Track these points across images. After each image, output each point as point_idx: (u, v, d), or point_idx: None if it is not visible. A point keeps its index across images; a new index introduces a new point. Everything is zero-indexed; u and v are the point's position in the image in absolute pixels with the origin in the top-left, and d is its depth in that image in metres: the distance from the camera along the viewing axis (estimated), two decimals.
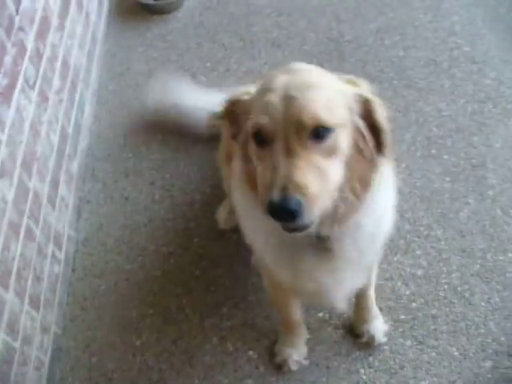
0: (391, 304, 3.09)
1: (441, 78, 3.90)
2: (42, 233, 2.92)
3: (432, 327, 3.02)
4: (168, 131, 3.71)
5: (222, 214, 3.35)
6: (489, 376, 2.89)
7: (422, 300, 3.10)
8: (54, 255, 3.07)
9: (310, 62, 3.86)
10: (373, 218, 2.02)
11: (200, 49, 4.21)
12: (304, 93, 1.67)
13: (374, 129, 1.80)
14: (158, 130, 3.74)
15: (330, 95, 1.72)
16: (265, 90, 1.74)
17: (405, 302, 3.09)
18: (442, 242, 3.26)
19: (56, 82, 3.20)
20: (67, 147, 3.38)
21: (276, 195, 1.60)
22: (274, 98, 1.68)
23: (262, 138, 1.71)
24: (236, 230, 3.00)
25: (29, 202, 2.78)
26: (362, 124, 1.77)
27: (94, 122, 3.84)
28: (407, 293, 3.12)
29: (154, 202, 3.50)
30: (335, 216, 1.85)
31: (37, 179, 2.89)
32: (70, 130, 3.44)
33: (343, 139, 1.73)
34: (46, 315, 2.91)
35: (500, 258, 3.21)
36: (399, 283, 3.15)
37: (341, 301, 2.38)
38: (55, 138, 3.19)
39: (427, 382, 2.89)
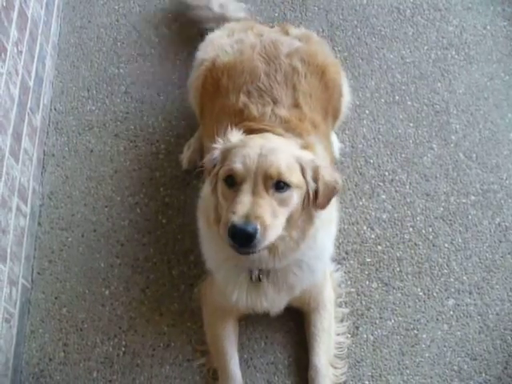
0: (357, 247, 3.15)
1: (404, 25, 3.90)
2: (6, 185, 2.88)
3: (397, 269, 3.10)
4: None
5: (185, 154, 3.36)
6: (451, 313, 2.99)
7: (387, 243, 3.16)
8: (19, 208, 3.04)
9: (273, 11, 3.90)
10: (312, 254, 2.55)
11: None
12: (274, 154, 2.22)
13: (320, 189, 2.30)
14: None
15: (292, 161, 2.25)
16: (243, 146, 2.26)
17: (370, 245, 3.16)
18: (407, 186, 3.31)
19: (14, 33, 3.13)
20: (29, 100, 3.32)
21: (239, 220, 2.11)
22: (251, 152, 2.22)
23: (231, 181, 2.22)
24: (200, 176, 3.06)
25: None
26: (312, 185, 2.29)
27: (56, 75, 3.77)
28: (373, 236, 3.18)
29: (119, 153, 3.48)
30: (276, 253, 2.38)
31: None
32: (32, 84, 3.38)
33: (295, 198, 2.25)
34: (13, 268, 2.91)
35: (463, 200, 3.28)
36: (365, 227, 3.20)
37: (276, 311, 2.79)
38: (16, 91, 3.13)
39: (393, 321, 2.98)
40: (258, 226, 2.12)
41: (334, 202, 2.57)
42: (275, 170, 2.18)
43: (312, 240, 2.44)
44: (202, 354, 2.90)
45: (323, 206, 2.35)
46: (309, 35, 3.07)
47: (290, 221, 2.29)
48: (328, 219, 2.55)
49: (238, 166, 2.20)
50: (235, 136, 2.39)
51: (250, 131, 2.58)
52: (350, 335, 2.92)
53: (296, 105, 2.71)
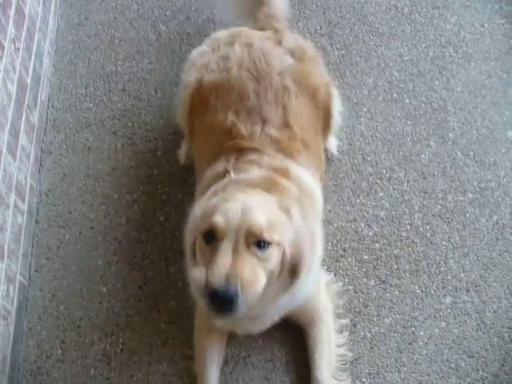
0: (354, 245, 3.15)
1: (402, 23, 3.89)
2: (3, 182, 2.88)
3: (395, 267, 3.10)
4: None
5: (183, 150, 3.36)
6: (448, 311, 2.99)
7: (385, 240, 3.16)
8: (16, 206, 3.04)
9: None
10: (294, 299, 2.48)
11: None
12: (256, 211, 2.14)
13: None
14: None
15: (274, 220, 2.17)
16: (225, 201, 2.19)
17: (368, 242, 3.15)
18: (404, 184, 3.31)
19: (11, 30, 3.13)
20: (26, 97, 3.32)
21: (218, 282, 2.01)
22: (234, 207, 2.13)
23: (210, 237, 2.13)
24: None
25: None
26: (289, 251, 2.21)
27: (53, 72, 3.77)
28: (370, 234, 3.18)
29: (116, 151, 3.47)
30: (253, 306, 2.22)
31: None
32: (29, 81, 3.38)
33: (276, 255, 2.17)
34: (10, 265, 2.91)
35: (460, 198, 3.28)
36: (362, 225, 3.20)
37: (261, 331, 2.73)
38: (13, 88, 3.13)
39: (390, 319, 2.98)
40: (239, 287, 2.03)
41: (320, 240, 2.57)
42: (258, 228, 2.10)
43: (296, 290, 2.38)
44: (188, 359, 2.87)
45: (297, 277, 2.27)
46: (303, 49, 2.93)
47: (270, 277, 2.20)
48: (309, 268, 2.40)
49: (219, 220, 2.11)
50: (213, 200, 2.28)
51: (240, 150, 2.57)
52: (347, 333, 2.90)
53: (286, 124, 2.65)
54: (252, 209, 2.14)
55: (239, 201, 2.18)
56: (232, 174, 2.46)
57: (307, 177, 2.64)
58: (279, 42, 2.91)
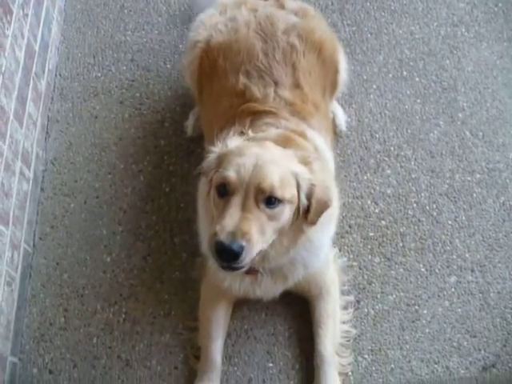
0: (360, 221, 3.14)
1: (414, 0, 3.86)
2: (10, 149, 2.87)
3: (400, 244, 3.09)
4: None
5: (190, 121, 3.34)
6: (452, 290, 2.98)
7: (391, 218, 3.15)
8: (22, 173, 3.03)
9: None
10: (306, 254, 2.51)
11: None
12: (269, 166, 2.13)
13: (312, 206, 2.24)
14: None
15: (287, 175, 2.16)
16: (239, 154, 2.18)
17: (374, 219, 3.14)
18: (412, 162, 3.30)
19: None
20: (34, 65, 3.30)
21: (225, 237, 2.06)
22: (247, 162, 2.13)
23: (223, 191, 2.15)
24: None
25: None
26: (304, 202, 2.22)
27: (62, 41, 3.74)
28: (376, 211, 3.17)
29: (123, 120, 3.46)
30: (266, 257, 2.34)
31: (2, 94, 2.83)
32: (37, 48, 3.35)
33: (286, 212, 2.18)
34: (15, 232, 2.90)
35: (468, 178, 3.27)
36: (369, 201, 3.19)
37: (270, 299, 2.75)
38: (21, 54, 3.11)
39: (394, 296, 2.97)
40: (244, 244, 2.07)
41: (336, 198, 2.55)
42: (268, 185, 2.10)
43: (308, 240, 2.41)
44: (191, 330, 2.87)
45: (313, 223, 2.29)
46: (305, 9, 2.96)
47: (280, 231, 2.23)
48: (328, 219, 2.47)
49: (231, 174, 2.13)
50: (234, 142, 2.31)
51: (254, 113, 2.56)
52: (352, 309, 2.91)
53: (297, 85, 2.66)
54: (264, 165, 2.13)
55: (253, 155, 2.17)
56: (250, 132, 2.46)
57: (321, 141, 2.63)
58: (282, 6, 2.93)
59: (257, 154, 2.18)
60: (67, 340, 2.92)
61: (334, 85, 3.02)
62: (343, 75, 3.09)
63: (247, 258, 2.12)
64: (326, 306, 2.78)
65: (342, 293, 2.90)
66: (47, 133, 3.45)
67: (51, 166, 3.35)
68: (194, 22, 3.05)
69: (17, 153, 2.98)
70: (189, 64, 3.03)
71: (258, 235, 2.12)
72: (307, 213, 2.25)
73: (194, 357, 2.82)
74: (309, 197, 2.22)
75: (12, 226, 2.86)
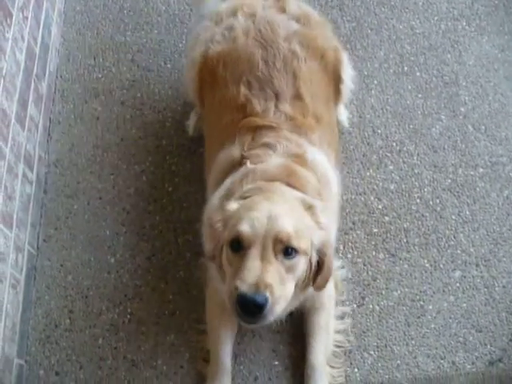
0: (364, 218, 3.13)
1: None
2: (12, 152, 2.87)
3: (404, 240, 3.08)
4: None
5: (192, 121, 3.33)
6: (457, 285, 2.98)
7: (395, 214, 3.15)
8: (25, 175, 3.03)
9: None
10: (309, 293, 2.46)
11: None
12: (283, 218, 2.11)
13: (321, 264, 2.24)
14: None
15: (301, 226, 2.15)
16: (249, 208, 2.16)
17: (377, 215, 3.14)
18: (414, 157, 3.29)
19: None
20: (35, 67, 3.30)
21: (247, 288, 2.01)
22: (259, 215, 2.11)
23: (237, 246, 2.11)
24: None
25: None
26: (315, 258, 2.21)
27: (62, 42, 3.75)
28: (380, 207, 3.16)
29: (125, 121, 3.45)
30: None
31: (4, 97, 2.83)
32: (37, 50, 3.36)
33: (302, 264, 2.16)
34: (19, 234, 2.90)
35: (471, 172, 3.26)
36: (372, 197, 3.19)
37: None
38: (22, 57, 3.11)
39: (399, 292, 2.97)
40: (268, 295, 2.03)
41: (335, 220, 2.60)
42: (285, 235, 2.08)
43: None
44: (199, 333, 2.85)
45: (321, 287, 2.31)
46: (308, 15, 2.88)
47: (297, 284, 2.21)
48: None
49: (246, 229, 2.09)
50: (233, 205, 2.25)
51: (254, 129, 2.52)
52: (355, 305, 2.91)
53: (298, 95, 2.60)
54: (279, 216, 2.11)
55: (264, 209, 2.14)
56: (248, 164, 2.42)
57: (322, 160, 2.58)
58: (283, 10, 2.85)
59: (268, 206, 2.16)
60: (73, 341, 2.92)
61: (337, 94, 2.97)
62: (348, 83, 3.04)
63: (271, 314, 2.08)
64: (318, 318, 2.76)
65: (341, 303, 2.89)
66: (49, 135, 3.45)
67: (54, 167, 3.35)
68: (190, 41, 3.02)
69: (19, 155, 2.98)
70: (189, 81, 3.02)
71: (280, 287, 2.09)
72: (317, 273, 2.25)
73: (202, 360, 2.80)
74: (321, 254, 2.22)
75: (16, 229, 2.87)
